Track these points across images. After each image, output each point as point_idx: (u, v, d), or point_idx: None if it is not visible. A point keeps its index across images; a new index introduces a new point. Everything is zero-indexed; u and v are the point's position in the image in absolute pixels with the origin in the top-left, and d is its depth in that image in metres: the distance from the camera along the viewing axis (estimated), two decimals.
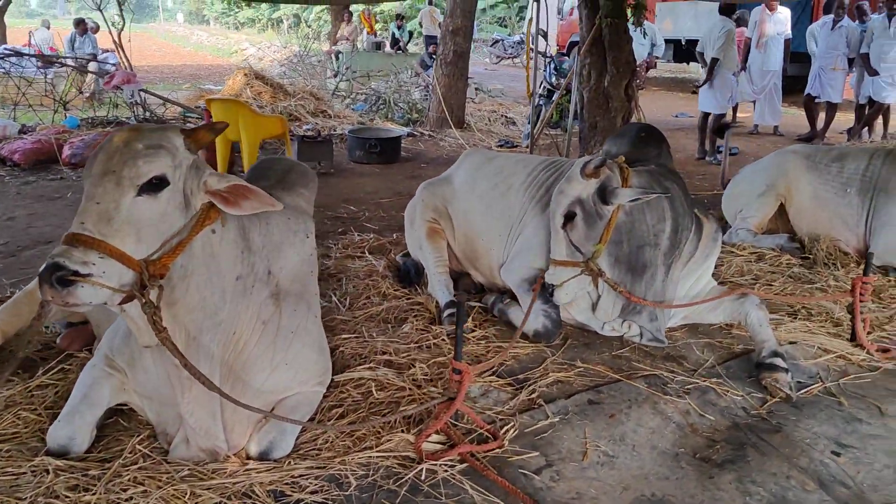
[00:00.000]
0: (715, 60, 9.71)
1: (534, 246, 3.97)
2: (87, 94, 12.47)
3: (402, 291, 4.51)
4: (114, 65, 12.83)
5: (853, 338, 3.92)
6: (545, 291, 3.63)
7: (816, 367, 3.72)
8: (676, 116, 14.23)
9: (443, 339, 3.79)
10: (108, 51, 14.23)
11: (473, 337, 3.86)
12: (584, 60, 7.48)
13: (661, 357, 3.74)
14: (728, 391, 3.41)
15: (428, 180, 4.86)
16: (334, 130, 10.22)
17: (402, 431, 2.92)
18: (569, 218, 3.51)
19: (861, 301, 3.86)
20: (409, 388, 3.22)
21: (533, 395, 3.28)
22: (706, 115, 9.87)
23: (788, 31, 11.34)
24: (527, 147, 10.23)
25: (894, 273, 5.05)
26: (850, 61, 10.92)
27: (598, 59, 7.36)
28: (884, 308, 4.50)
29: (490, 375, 3.48)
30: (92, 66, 12.85)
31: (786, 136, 11.51)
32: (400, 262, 4.85)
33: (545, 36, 11.73)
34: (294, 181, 3.43)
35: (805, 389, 3.44)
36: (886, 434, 3.09)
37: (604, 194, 3.45)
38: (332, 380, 3.18)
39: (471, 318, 4.17)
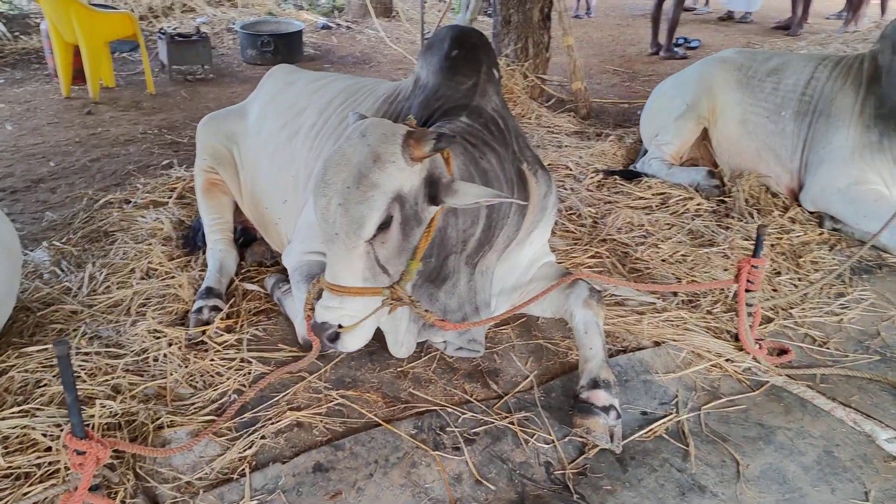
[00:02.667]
0: None
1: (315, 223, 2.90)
2: None
3: (179, 263, 3.48)
4: None
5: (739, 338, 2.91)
6: (321, 332, 2.20)
7: (678, 383, 2.74)
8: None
9: (178, 350, 2.80)
10: None
11: (220, 343, 2.86)
12: None
13: (466, 373, 2.76)
14: (535, 433, 2.44)
15: (214, 112, 3.71)
16: (233, 23, 8.82)
17: None
18: (381, 227, 2.13)
19: (750, 289, 2.83)
20: (60, 449, 2.24)
21: (247, 452, 2.31)
22: (660, 1, 8.37)
23: None
24: None
25: (830, 223, 3.98)
26: None
27: None
28: (799, 280, 3.46)
29: (217, 412, 2.51)
30: None
31: (760, 23, 10.03)
32: (194, 221, 3.79)
33: None
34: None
35: (643, 431, 2.47)
36: None
37: (435, 189, 2.19)
38: None
39: (245, 300, 3.17)
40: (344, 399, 2.58)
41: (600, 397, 2.39)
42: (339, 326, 2.17)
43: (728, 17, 10.27)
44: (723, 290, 3.28)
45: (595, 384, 2.42)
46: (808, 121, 4.14)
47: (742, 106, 4.40)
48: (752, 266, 2.80)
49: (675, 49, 8.34)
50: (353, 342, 2.22)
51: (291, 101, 3.34)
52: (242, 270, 3.44)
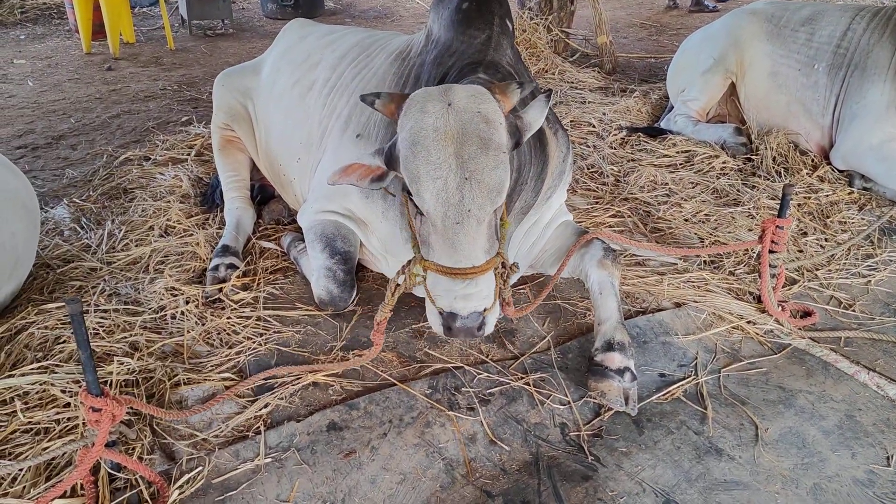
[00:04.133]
0: None
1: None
2: None
3: (197, 221, 3.47)
4: None
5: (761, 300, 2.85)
6: (472, 325, 2.05)
7: (698, 345, 2.69)
8: None
9: (195, 307, 2.81)
10: None
11: (237, 301, 2.86)
12: None
13: None
14: (550, 394, 2.43)
15: (230, 68, 3.66)
16: None
17: (31, 487, 2.02)
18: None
19: (774, 251, 2.76)
20: (78, 405, 2.27)
21: (263, 411, 2.32)
22: None
23: None
24: None
25: (860, 182, 3.86)
26: None
27: None
28: (826, 241, 3.37)
29: (234, 371, 2.53)
30: None
31: None
32: (212, 178, 3.77)
33: None
34: None
35: (661, 393, 2.44)
36: (751, 481, 2.11)
37: (516, 132, 2.10)
38: None
39: (262, 258, 3.17)
40: (359, 355, 2.57)
41: (615, 359, 2.36)
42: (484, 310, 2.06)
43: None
44: (746, 250, 3.21)
45: (609, 346, 2.39)
46: (843, 74, 3.99)
47: (772, 58, 4.25)
48: (777, 227, 2.72)
49: (706, 2, 8.07)
50: (493, 322, 2.14)
51: (304, 56, 3.28)
52: (260, 228, 3.44)
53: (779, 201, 3.52)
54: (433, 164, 1.94)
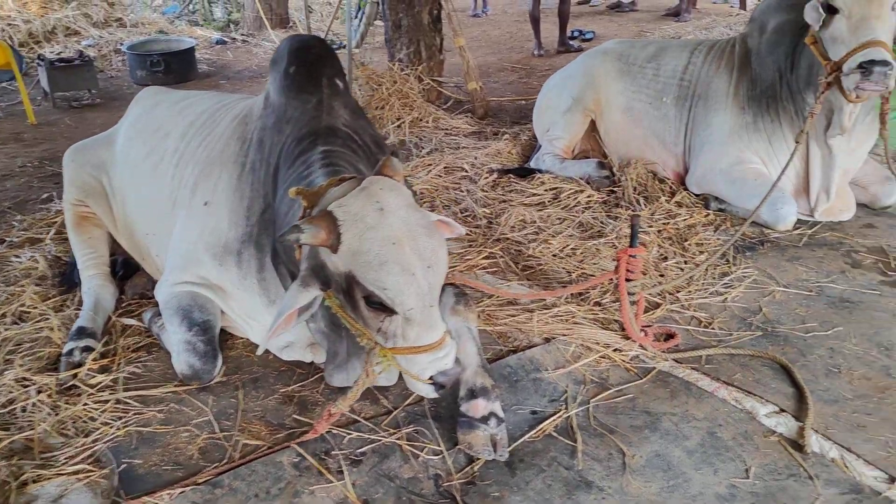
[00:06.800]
0: None
1: (183, 252, 2.80)
2: None
3: (54, 304, 3.30)
4: None
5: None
6: (450, 379, 2.15)
7: (567, 378, 2.74)
8: None
9: (47, 397, 2.64)
10: None
11: (94, 385, 2.71)
12: None
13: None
14: (424, 446, 2.40)
15: (80, 142, 3.53)
16: (121, 44, 8.50)
17: None
18: None
19: (631, 278, 2.86)
20: None
21: (118, 498, 2.19)
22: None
23: None
24: (356, 47, 8.82)
25: (715, 204, 4.07)
26: None
27: None
28: (685, 263, 3.53)
29: (90, 461, 2.38)
30: None
31: (652, 11, 10.29)
32: (71, 257, 3.60)
33: None
34: None
35: (533, 432, 2.46)
36: None
37: None
38: None
39: (124, 336, 3.03)
40: (225, 432, 2.48)
41: (479, 407, 2.37)
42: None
43: (616, 6, 10.48)
44: (610, 280, 3.31)
45: (472, 394, 2.40)
46: (689, 105, 4.24)
47: (625, 94, 4.47)
48: (630, 256, 2.83)
49: (570, 42, 8.45)
50: None
51: (156, 126, 3.22)
52: (123, 304, 3.30)
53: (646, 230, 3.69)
54: (406, 273, 2.01)
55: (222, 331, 2.94)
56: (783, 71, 3.92)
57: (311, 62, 2.75)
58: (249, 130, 2.87)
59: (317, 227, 2.01)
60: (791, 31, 3.89)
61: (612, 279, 2.94)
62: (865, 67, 3.27)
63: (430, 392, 2.16)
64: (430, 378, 2.10)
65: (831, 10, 3.44)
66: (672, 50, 4.46)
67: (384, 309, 2.05)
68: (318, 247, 2.07)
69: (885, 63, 3.25)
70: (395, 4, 6.18)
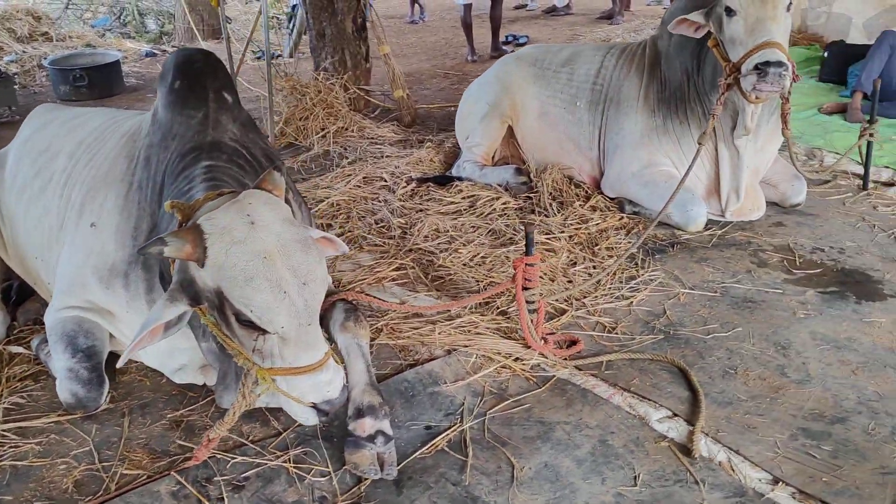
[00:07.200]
0: None
1: (69, 276, 2.70)
2: None
3: None
4: None
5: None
6: (338, 404, 2.15)
7: (466, 391, 2.70)
8: None
9: None
10: None
11: None
12: None
13: (246, 413, 2.58)
14: (312, 468, 2.34)
15: None
16: (45, 59, 8.27)
17: None
18: None
19: (528, 287, 2.84)
20: None
21: None
22: (468, 5, 8.32)
23: None
24: (290, 56, 8.73)
25: (630, 207, 4.08)
26: None
27: None
28: (594, 268, 3.52)
29: None
30: None
31: (586, 14, 10.37)
32: None
33: None
34: None
35: (426, 447, 2.41)
36: None
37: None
38: None
39: (11, 365, 2.91)
40: (105, 462, 2.39)
41: (365, 426, 2.31)
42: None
43: (552, 10, 10.55)
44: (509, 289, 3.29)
45: (359, 412, 2.34)
46: (602, 108, 4.25)
47: (540, 99, 4.47)
48: (527, 264, 2.81)
49: (504, 48, 8.46)
50: None
51: (45, 145, 3.11)
52: (15, 331, 3.18)
53: (546, 236, 3.68)
54: (276, 289, 1.93)
55: (116, 356, 2.84)
56: (690, 73, 3.95)
57: (195, 76, 2.69)
58: (137, 148, 2.79)
59: (182, 240, 1.94)
60: None
61: (509, 288, 2.91)
62: (761, 69, 3.31)
63: (310, 418, 2.10)
64: (313, 403, 2.05)
65: (729, 12, 3.48)
66: (585, 54, 4.48)
67: (256, 327, 1.99)
68: (186, 261, 2.00)
69: (779, 64, 3.29)
70: (318, 13, 6.12)
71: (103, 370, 2.65)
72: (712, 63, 3.76)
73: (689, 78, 3.96)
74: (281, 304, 1.95)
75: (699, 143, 3.60)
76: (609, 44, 4.61)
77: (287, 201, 2.68)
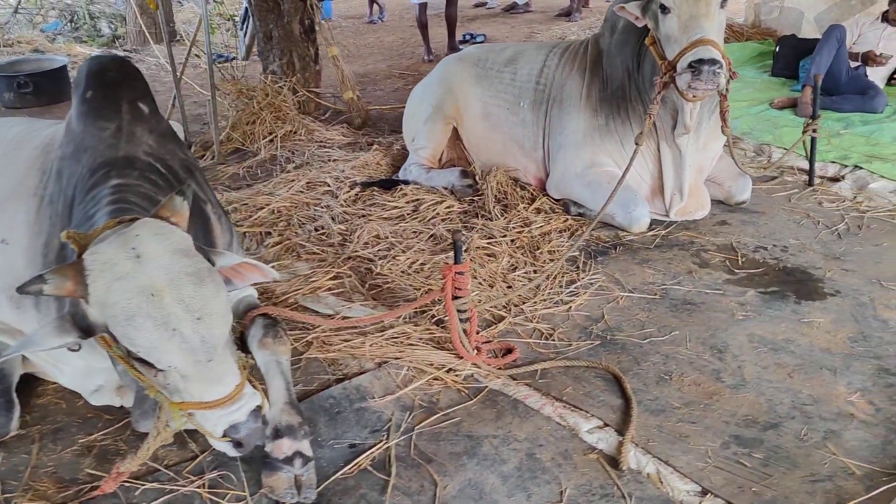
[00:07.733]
0: None
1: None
2: None
3: None
4: None
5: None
6: (255, 436, 1.97)
7: (394, 405, 2.62)
8: None
9: None
10: None
11: None
12: None
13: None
14: (228, 493, 2.24)
15: None
16: None
17: None
18: None
19: (459, 296, 2.76)
20: None
21: None
22: (423, 5, 8.22)
23: None
24: (244, 59, 8.59)
25: (575, 209, 4.02)
26: None
27: None
28: (534, 272, 3.45)
29: None
30: None
31: (544, 12, 10.32)
32: None
33: None
34: None
35: (348, 467, 2.33)
36: None
37: None
38: None
39: None
40: (8, 493, 2.27)
41: (283, 447, 2.21)
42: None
43: (511, 8, 10.50)
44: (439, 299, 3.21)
45: (277, 433, 2.24)
46: (545, 108, 4.18)
47: (483, 100, 4.39)
48: (457, 273, 2.73)
49: (461, 47, 8.36)
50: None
51: None
52: None
53: (488, 241, 3.61)
54: (162, 327, 1.77)
55: (33, 377, 2.73)
56: (631, 71, 3.90)
57: (108, 86, 2.56)
58: (50, 160, 2.66)
59: (62, 277, 1.80)
60: (637, 30, 3.86)
61: (440, 298, 2.83)
62: (695, 67, 3.26)
63: (228, 450, 1.97)
64: (226, 435, 1.93)
65: (664, 10, 3.42)
66: (528, 53, 4.41)
67: (150, 364, 1.88)
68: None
69: (713, 62, 3.24)
70: (265, 15, 5.99)
71: (13, 394, 2.53)
72: (651, 61, 3.70)
73: (630, 76, 3.91)
74: (169, 342, 1.79)
75: (637, 143, 3.55)
76: (552, 42, 4.54)
77: (206, 217, 2.60)
